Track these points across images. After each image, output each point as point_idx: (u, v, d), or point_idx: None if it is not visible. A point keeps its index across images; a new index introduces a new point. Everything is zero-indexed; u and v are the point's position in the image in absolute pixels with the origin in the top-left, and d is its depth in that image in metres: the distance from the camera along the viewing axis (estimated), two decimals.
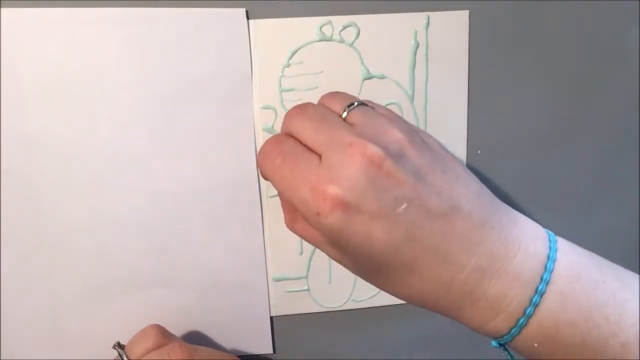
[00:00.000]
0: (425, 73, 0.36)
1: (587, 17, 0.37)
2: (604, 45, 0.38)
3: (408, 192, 0.21)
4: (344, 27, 0.35)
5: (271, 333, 0.39)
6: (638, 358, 0.20)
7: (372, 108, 0.27)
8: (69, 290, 0.37)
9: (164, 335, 0.34)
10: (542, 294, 0.21)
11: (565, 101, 0.38)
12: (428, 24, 0.36)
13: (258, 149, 0.36)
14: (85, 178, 0.35)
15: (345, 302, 0.40)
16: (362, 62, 0.36)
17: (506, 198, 0.39)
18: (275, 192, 0.37)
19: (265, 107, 0.36)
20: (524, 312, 0.21)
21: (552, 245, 0.23)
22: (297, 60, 0.35)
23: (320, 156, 0.23)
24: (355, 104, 0.26)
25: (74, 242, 0.36)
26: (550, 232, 0.25)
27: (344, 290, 0.40)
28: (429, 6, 0.35)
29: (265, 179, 0.26)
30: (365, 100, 0.28)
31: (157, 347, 0.33)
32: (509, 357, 0.23)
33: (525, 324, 0.21)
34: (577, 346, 0.21)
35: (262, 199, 0.37)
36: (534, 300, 0.21)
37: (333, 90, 0.35)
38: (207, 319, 0.39)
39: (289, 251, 0.38)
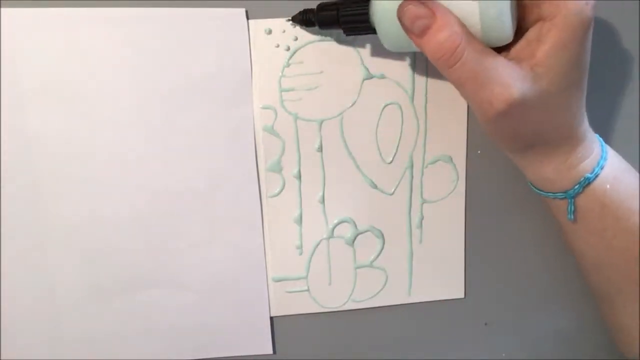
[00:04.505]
0: (425, 73, 0.36)
1: None
2: (604, 45, 0.38)
3: None
4: None
5: (271, 333, 0.39)
6: None
7: None
8: (69, 290, 0.37)
9: None
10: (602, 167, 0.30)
11: None
12: None
13: (258, 149, 0.36)
14: (85, 178, 0.35)
15: (345, 302, 0.40)
16: (362, 62, 0.36)
17: (506, 198, 0.39)
18: (275, 192, 0.37)
19: (265, 107, 0.36)
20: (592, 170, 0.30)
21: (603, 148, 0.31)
22: (297, 60, 0.35)
23: None
24: None
25: (74, 242, 0.36)
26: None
27: (344, 290, 0.40)
28: None
29: None
30: None
31: None
32: (571, 208, 0.31)
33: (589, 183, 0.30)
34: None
35: (262, 199, 0.37)
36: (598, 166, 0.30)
37: (333, 90, 0.36)
38: (207, 319, 0.39)
39: (289, 251, 0.38)
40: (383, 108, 0.37)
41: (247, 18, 0.34)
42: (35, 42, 0.33)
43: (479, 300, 0.41)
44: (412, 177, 0.38)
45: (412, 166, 0.38)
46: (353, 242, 0.39)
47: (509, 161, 0.39)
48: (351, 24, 0.29)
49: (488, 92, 0.26)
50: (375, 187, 0.38)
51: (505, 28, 0.25)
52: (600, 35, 0.38)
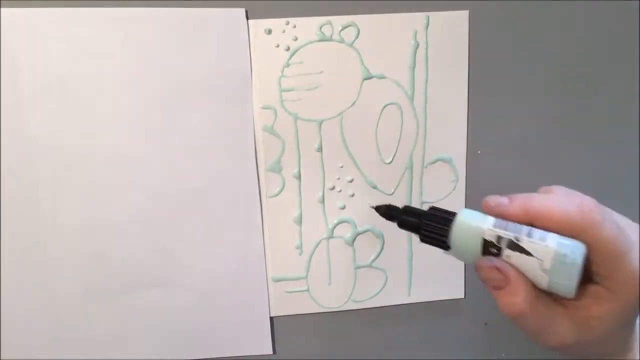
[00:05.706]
0: (425, 73, 0.36)
1: (587, 17, 0.37)
2: (604, 45, 0.38)
3: None
4: (344, 27, 0.35)
5: (271, 333, 0.39)
6: None
7: None
8: (69, 290, 0.37)
9: None
10: None
11: (565, 101, 0.38)
12: (428, 24, 0.36)
13: (258, 149, 0.36)
14: (85, 178, 0.35)
15: (344, 303, 0.40)
16: (362, 62, 0.36)
17: None
18: (275, 192, 0.37)
19: (265, 107, 0.36)
20: None
21: None
22: (297, 60, 0.35)
23: None
24: None
25: (74, 243, 0.36)
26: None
27: (343, 290, 0.40)
28: (429, 6, 0.35)
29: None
30: None
31: None
32: None
33: None
34: None
35: (262, 199, 0.37)
36: None
37: (333, 90, 0.36)
38: (207, 319, 0.39)
39: (288, 251, 0.38)
40: (383, 108, 0.37)
41: (247, 18, 0.34)
42: (35, 42, 0.33)
43: (479, 300, 0.41)
44: (411, 177, 0.38)
45: (411, 166, 0.38)
46: (353, 242, 0.39)
47: (509, 161, 0.39)
48: (430, 237, 0.30)
49: (545, 338, 0.29)
50: (375, 187, 0.38)
51: (569, 295, 0.27)
52: (601, 35, 0.38)
